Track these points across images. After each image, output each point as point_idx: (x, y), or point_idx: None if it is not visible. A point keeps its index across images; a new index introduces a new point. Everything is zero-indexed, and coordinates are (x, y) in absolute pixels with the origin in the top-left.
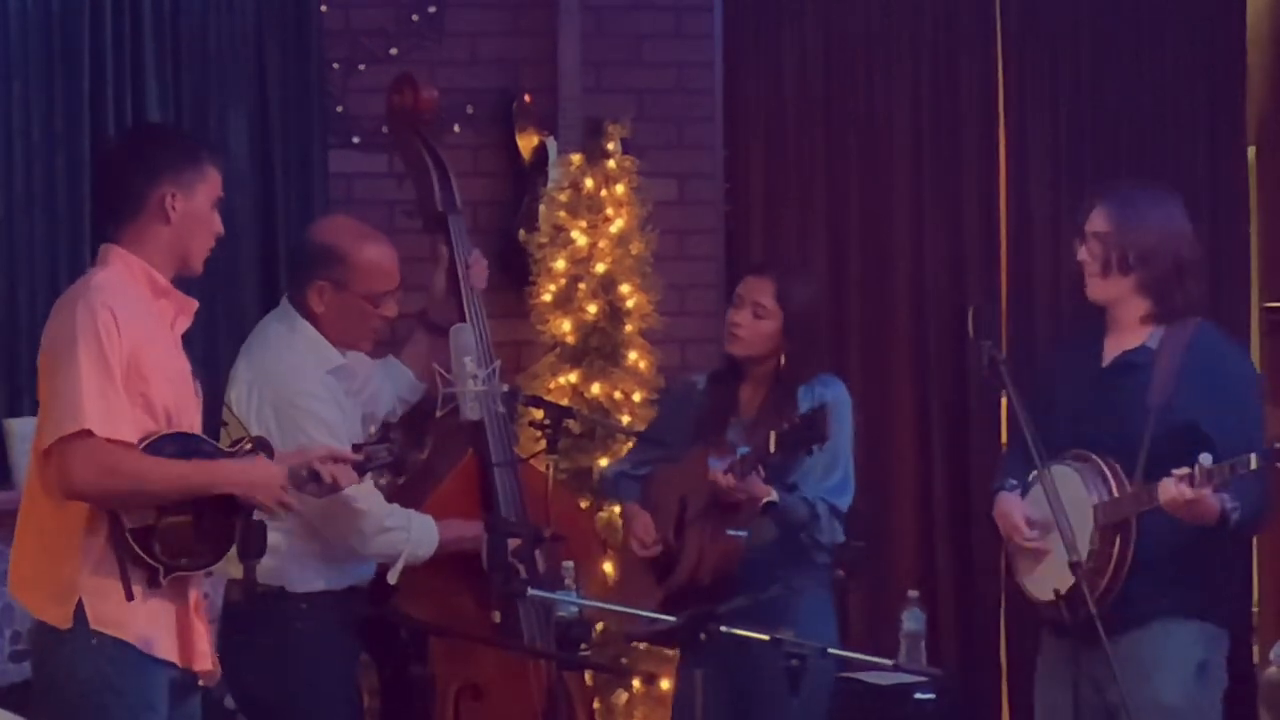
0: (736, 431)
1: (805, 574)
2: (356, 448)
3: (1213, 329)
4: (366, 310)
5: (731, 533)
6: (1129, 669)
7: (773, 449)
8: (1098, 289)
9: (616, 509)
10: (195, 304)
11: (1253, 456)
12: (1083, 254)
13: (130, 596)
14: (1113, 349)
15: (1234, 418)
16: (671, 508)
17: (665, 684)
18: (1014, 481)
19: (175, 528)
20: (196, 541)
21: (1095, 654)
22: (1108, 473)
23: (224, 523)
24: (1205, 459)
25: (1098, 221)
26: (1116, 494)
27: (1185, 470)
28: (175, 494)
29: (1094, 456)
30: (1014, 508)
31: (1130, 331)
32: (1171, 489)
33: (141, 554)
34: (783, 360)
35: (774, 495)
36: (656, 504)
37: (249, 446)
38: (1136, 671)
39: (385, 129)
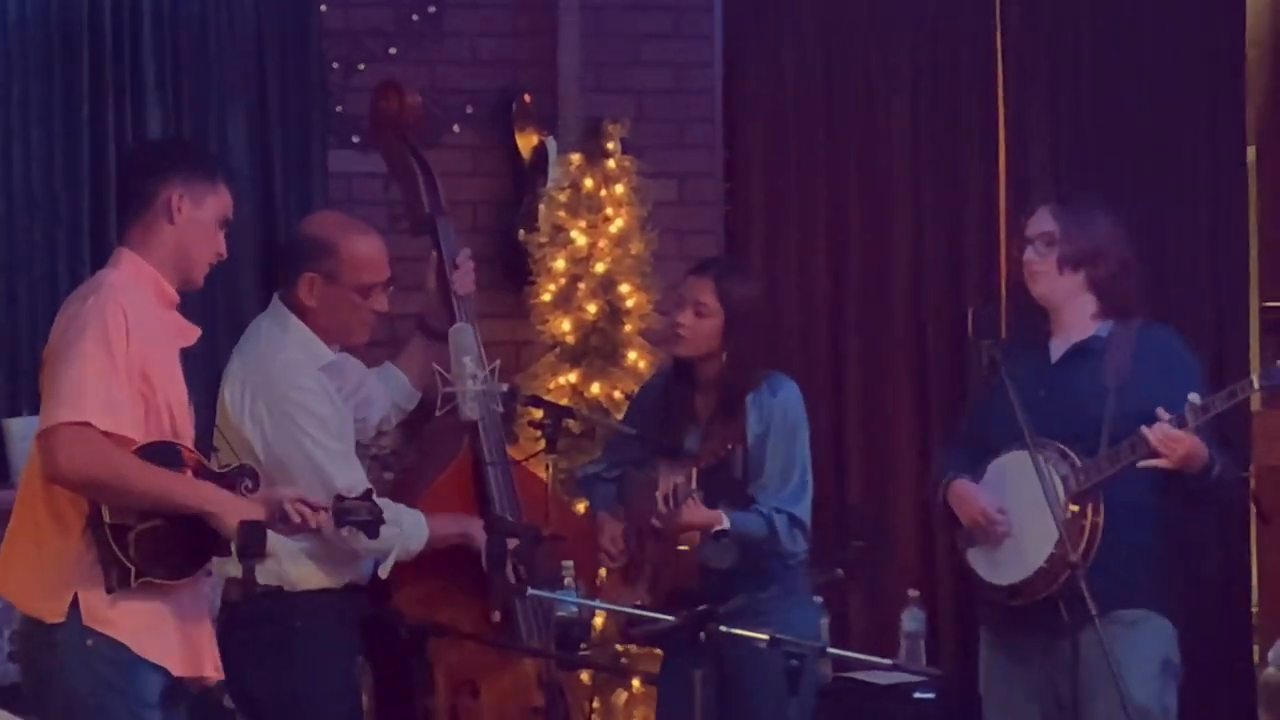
0: (693, 438)
1: (781, 580)
2: (339, 498)
3: (1157, 323)
4: (356, 302)
5: (680, 548)
6: (1098, 666)
7: (694, 484)
8: (1049, 286)
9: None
10: (198, 331)
11: (1254, 379)
12: (1029, 254)
13: (110, 589)
14: (1061, 346)
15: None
16: (635, 518)
17: None
18: (965, 474)
19: (153, 534)
20: (171, 552)
21: (1056, 651)
22: (1069, 452)
23: (200, 539)
24: (1194, 397)
25: (1044, 223)
26: (1081, 465)
27: (1170, 415)
28: (155, 502)
29: (1050, 442)
30: (974, 493)
31: (1079, 327)
32: (1161, 429)
33: (117, 551)
34: (725, 359)
35: (725, 523)
36: (629, 510)
37: (235, 468)
38: (1105, 669)
39: (370, 133)
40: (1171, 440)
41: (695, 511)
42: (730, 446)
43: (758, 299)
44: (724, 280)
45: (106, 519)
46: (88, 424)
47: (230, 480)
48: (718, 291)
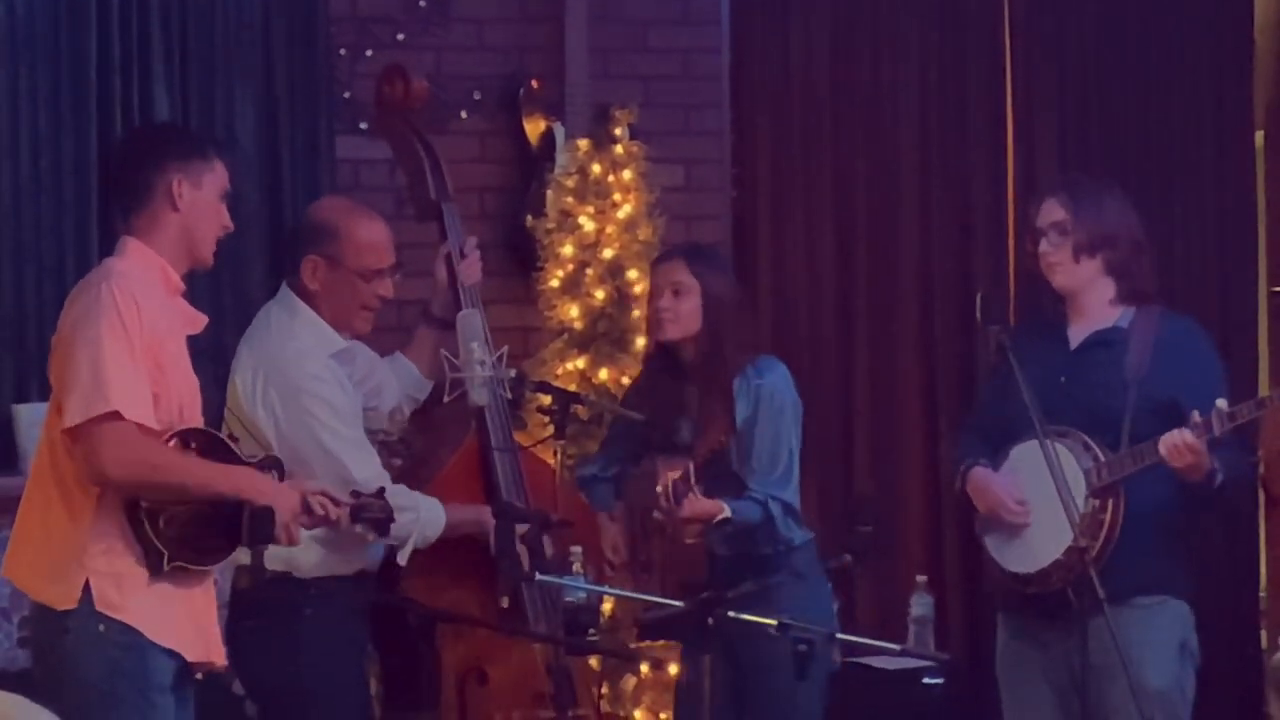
0: (686, 429)
1: (789, 564)
2: (355, 494)
3: (1178, 314)
4: (359, 287)
5: (689, 542)
6: (1111, 651)
7: (693, 479)
8: (1068, 276)
9: None
10: (205, 319)
11: (1276, 394)
12: (1043, 246)
13: (152, 572)
14: (1080, 332)
15: (1208, 394)
16: (638, 514)
17: (673, 669)
18: (984, 460)
19: (186, 518)
20: (204, 537)
21: (1073, 638)
22: (1092, 444)
23: (228, 526)
24: (1222, 403)
25: (1054, 213)
26: (1104, 460)
27: (1198, 418)
28: (198, 492)
29: (1074, 431)
30: (994, 482)
31: (1099, 314)
32: (1181, 436)
33: (151, 534)
34: (705, 335)
35: (727, 512)
36: (628, 509)
37: (262, 458)
38: (1121, 654)
39: (375, 119)
40: (1179, 451)
41: (696, 504)
42: (724, 439)
43: (729, 276)
44: (693, 259)
45: (143, 503)
46: (117, 414)
47: (259, 470)
48: (690, 269)
